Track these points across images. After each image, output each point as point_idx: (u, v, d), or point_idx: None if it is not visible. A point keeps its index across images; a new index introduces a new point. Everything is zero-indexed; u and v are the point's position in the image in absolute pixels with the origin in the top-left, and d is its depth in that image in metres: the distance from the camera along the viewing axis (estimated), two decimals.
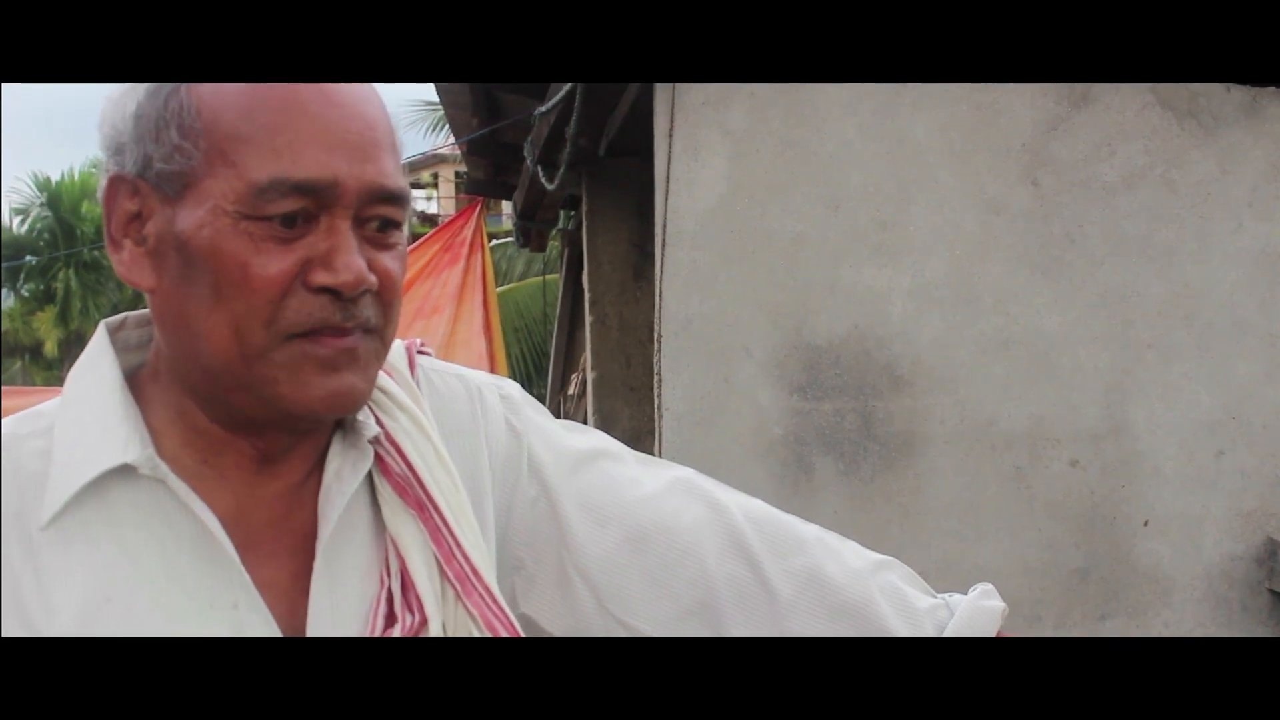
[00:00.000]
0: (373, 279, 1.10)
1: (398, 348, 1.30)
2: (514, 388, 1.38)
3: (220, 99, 1.08)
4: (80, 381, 1.17)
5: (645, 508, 1.33)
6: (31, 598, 1.08)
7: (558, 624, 1.33)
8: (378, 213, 1.11)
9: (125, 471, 1.11)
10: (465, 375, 1.36)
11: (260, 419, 1.13)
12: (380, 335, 1.14)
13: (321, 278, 1.07)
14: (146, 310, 1.19)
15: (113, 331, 1.21)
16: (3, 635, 1.07)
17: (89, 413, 1.14)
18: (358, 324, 1.10)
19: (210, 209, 1.07)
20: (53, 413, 1.16)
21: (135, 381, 1.18)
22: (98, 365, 1.17)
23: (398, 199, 1.12)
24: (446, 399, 1.32)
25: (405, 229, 1.17)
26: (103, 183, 1.13)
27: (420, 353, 1.34)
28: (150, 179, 1.10)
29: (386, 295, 1.13)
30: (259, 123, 1.07)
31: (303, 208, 1.07)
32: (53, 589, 1.09)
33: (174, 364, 1.15)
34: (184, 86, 1.09)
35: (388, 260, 1.12)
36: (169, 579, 1.11)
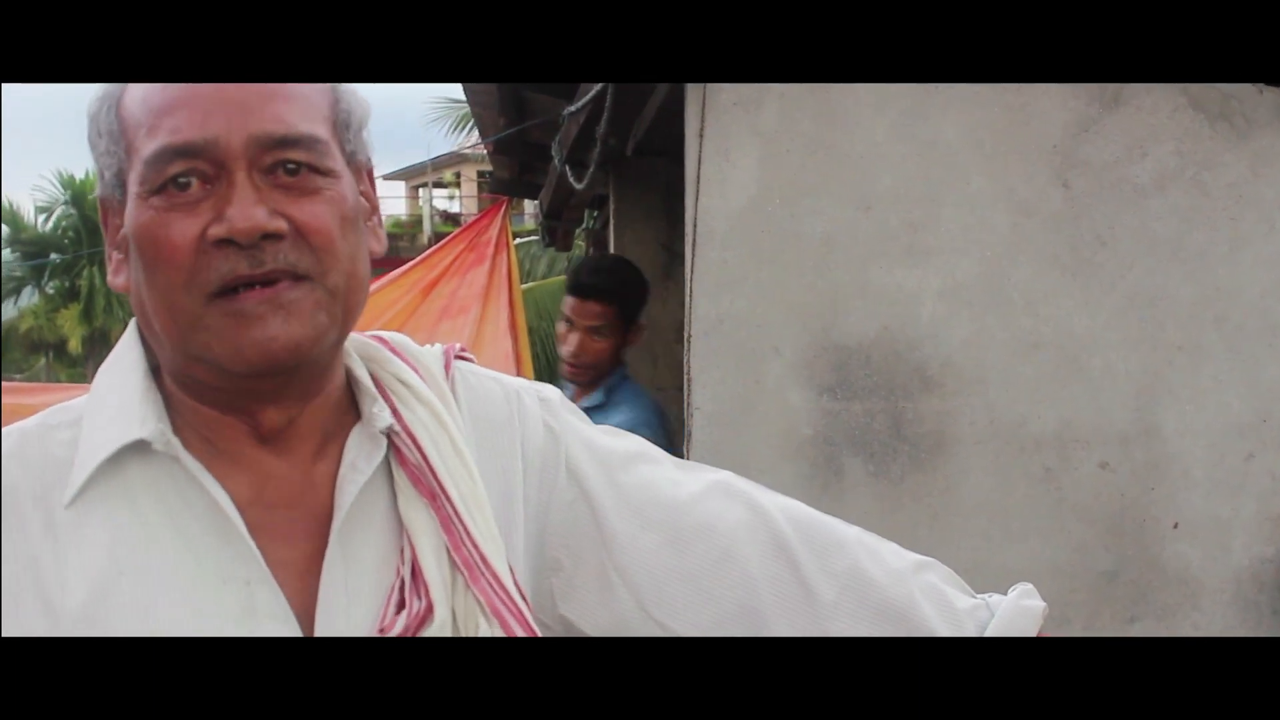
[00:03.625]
0: (276, 224, 1.12)
1: (435, 352, 1.33)
2: (553, 391, 1.39)
3: (130, 98, 1.15)
4: (108, 373, 1.23)
5: (686, 510, 1.34)
6: (50, 574, 1.12)
7: (597, 626, 1.34)
8: (278, 158, 1.13)
9: (141, 449, 1.15)
10: (503, 379, 1.38)
11: (227, 389, 1.17)
12: (320, 281, 1.15)
13: (215, 230, 1.11)
14: None
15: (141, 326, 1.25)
16: (22, 611, 1.11)
17: (113, 399, 1.19)
18: (271, 270, 1.12)
19: (133, 198, 1.13)
20: (82, 406, 1.21)
21: (159, 372, 1.22)
22: (125, 356, 1.23)
23: (296, 143, 1.14)
24: (482, 398, 1.33)
25: (345, 179, 1.19)
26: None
27: (460, 357, 1.35)
28: (108, 189, 1.18)
29: (314, 240, 1.14)
30: (149, 106, 1.13)
31: (193, 169, 1.11)
32: (70, 565, 1.12)
33: (160, 357, 1.20)
34: (113, 98, 1.16)
35: (311, 205, 1.15)
36: (183, 554, 1.14)
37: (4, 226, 34.03)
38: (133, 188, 1.13)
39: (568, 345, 3.97)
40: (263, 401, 1.18)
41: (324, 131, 1.18)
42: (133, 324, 1.25)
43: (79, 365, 33.54)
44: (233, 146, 1.11)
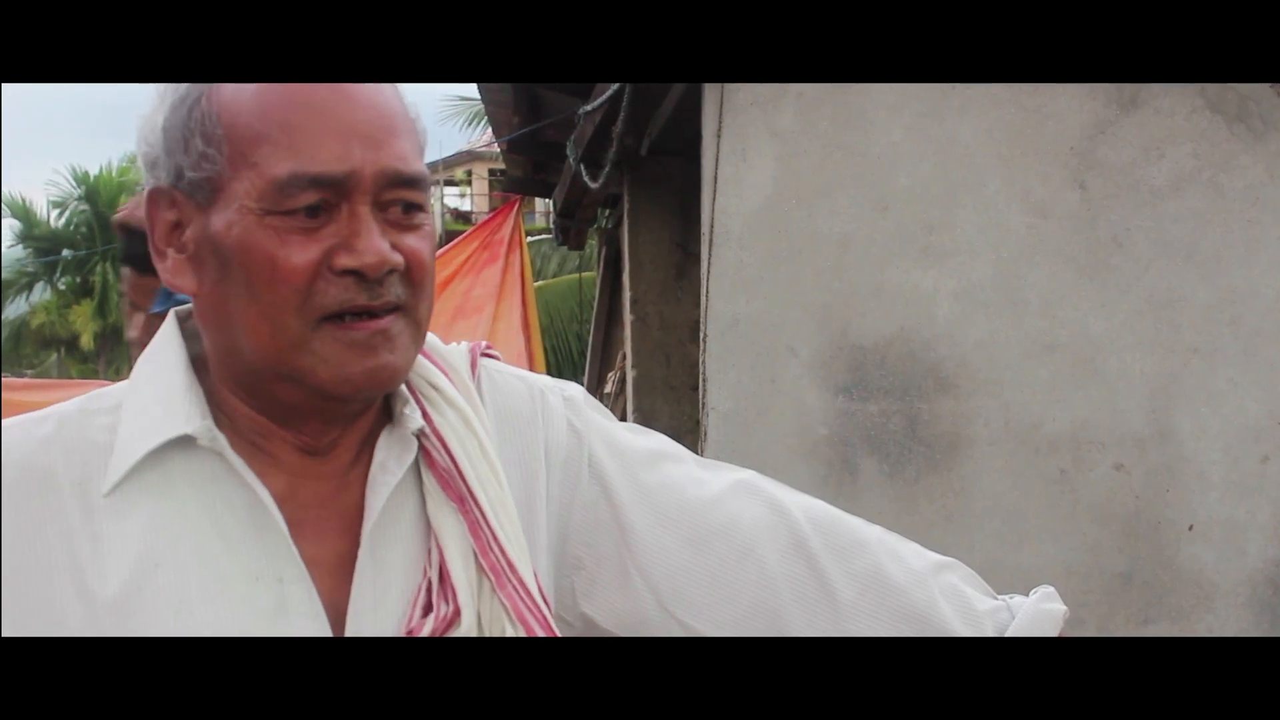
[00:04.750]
0: (397, 259, 1.13)
1: (460, 351, 1.34)
2: (577, 389, 1.40)
3: (237, 103, 1.13)
4: (149, 363, 1.23)
5: (707, 509, 1.34)
6: (88, 561, 1.13)
7: (618, 624, 1.34)
8: (397, 196, 1.15)
9: (184, 443, 1.16)
10: (528, 377, 1.38)
11: (304, 408, 1.17)
12: (412, 313, 1.17)
13: (345, 260, 1.11)
14: None
15: (182, 320, 1.26)
16: (58, 595, 1.12)
17: (155, 390, 1.19)
18: (385, 303, 1.14)
19: (237, 209, 1.12)
20: (122, 392, 1.22)
21: (198, 366, 1.22)
22: (166, 349, 1.23)
23: (415, 182, 1.16)
24: (507, 396, 1.34)
25: (433, 211, 1.22)
26: (144, 197, 1.19)
27: (486, 355, 1.36)
28: (184, 188, 1.15)
29: (415, 274, 1.16)
30: (274, 121, 1.12)
31: (323, 199, 1.11)
32: (108, 553, 1.13)
33: (221, 362, 1.20)
34: (204, 96, 1.14)
35: (413, 241, 1.16)
36: (219, 548, 1.15)
37: (17, 222, 34.09)
38: (241, 200, 1.12)
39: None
40: (326, 421, 1.20)
41: (424, 167, 1.20)
42: (172, 316, 1.26)
43: (91, 361, 33.60)
44: (364, 179, 1.12)
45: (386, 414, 1.25)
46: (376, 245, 1.12)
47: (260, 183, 1.10)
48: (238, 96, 1.13)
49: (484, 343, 1.38)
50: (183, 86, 1.16)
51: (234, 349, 1.16)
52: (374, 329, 1.14)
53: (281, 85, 1.13)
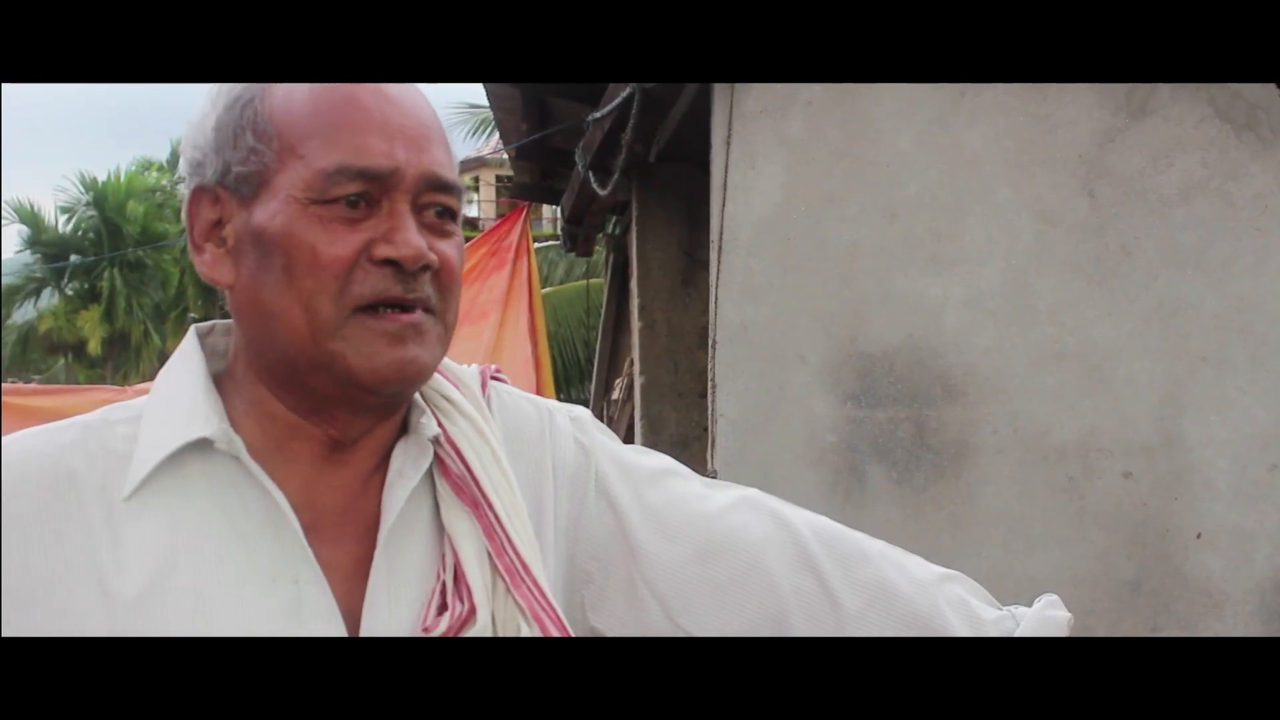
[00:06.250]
0: (433, 256, 1.18)
1: (472, 372, 1.38)
2: (584, 412, 1.44)
3: (289, 103, 1.18)
4: (169, 375, 1.27)
5: (713, 522, 1.37)
6: (108, 562, 1.15)
7: (626, 636, 1.36)
8: (434, 200, 1.20)
9: (202, 446, 1.19)
10: (536, 399, 1.43)
11: (334, 398, 1.20)
12: (441, 318, 1.21)
13: (384, 250, 1.16)
14: (231, 320, 1.28)
15: (202, 335, 1.30)
16: (80, 595, 1.14)
17: (174, 398, 1.23)
18: (418, 298, 1.18)
19: (283, 199, 1.16)
20: (142, 405, 1.25)
21: (217, 380, 1.26)
22: (186, 360, 1.26)
23: (452, 188, 1.21)
24: (515, 415, 1.38)
25: (459, 221, 1.26)
26: (186, 196, 1.24)
27: (495, 378, 1.40)
28: (229, 184, 1.20)
29: (445, 279, 1.20)
30: (324, 119, 1.17)
31: (365, 191, 1.16)
32: (127, 554, 1.16)
33: (253, 354, 1.23)
34: (257, 98, 1.19)
35: (445, 247, 1.20)
36: (236, 550, 1.18)
37: (25, 227, 34.20)
38: (288, 190, 1.16)
39: None
40: (352, 411, 1.22)
41: (459, 179, 1.25)
42: (192, 332, 1.29)
43: (98, 366, 33.66)
44: (407, 178, 1.17)
45: (404, 428, 1.28)
46: (415, 239, 1.16)
47: (307, 173, 1.15)
48: (290, 98, 1.18)
49: (493, 366, 1.43)
50: (236, 88, 1.21)
51: (268, 337, 1.20)
52: (406, 321, 1.17)
53: (331, 88, 1.18)
